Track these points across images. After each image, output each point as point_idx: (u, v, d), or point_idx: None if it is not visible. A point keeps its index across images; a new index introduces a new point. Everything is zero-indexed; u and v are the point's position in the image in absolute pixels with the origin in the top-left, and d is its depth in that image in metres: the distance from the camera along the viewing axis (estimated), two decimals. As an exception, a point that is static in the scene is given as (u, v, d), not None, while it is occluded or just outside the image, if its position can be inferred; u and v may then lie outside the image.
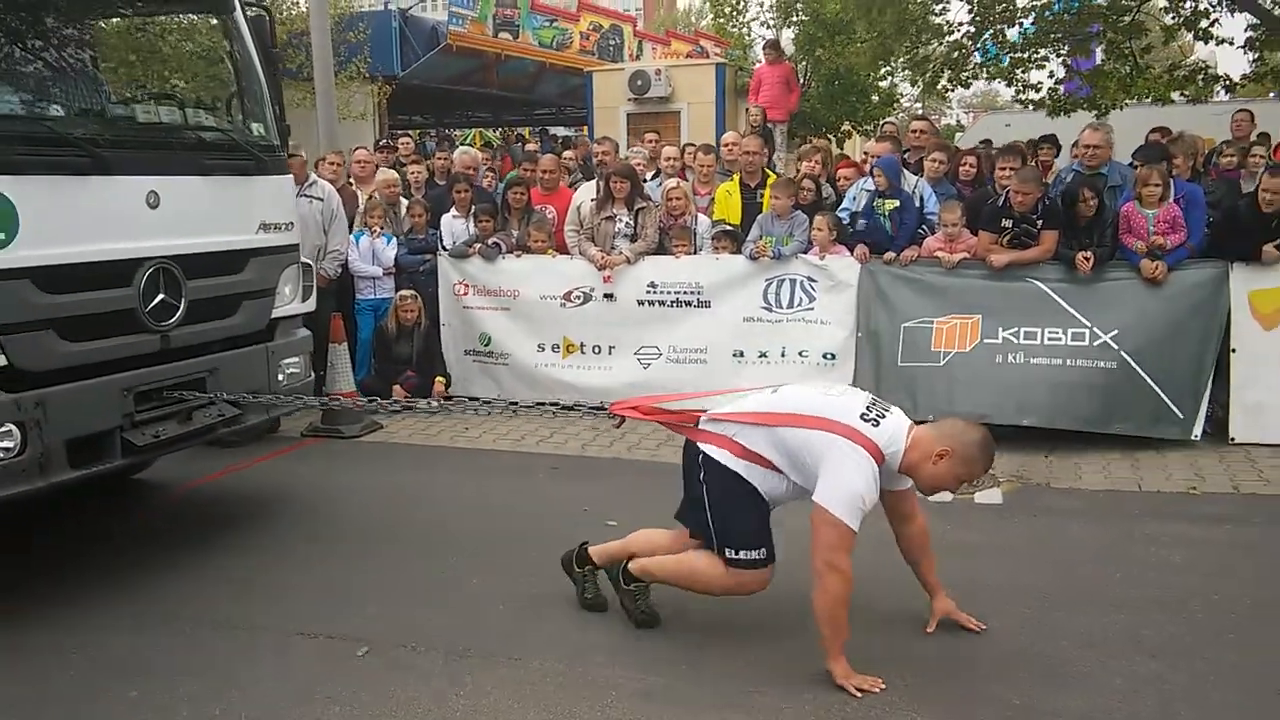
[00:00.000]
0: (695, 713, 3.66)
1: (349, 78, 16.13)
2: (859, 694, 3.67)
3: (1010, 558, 5.08)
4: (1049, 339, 6.98)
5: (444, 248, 8.61)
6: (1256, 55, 14.36)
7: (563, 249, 8.40)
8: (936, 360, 7.18)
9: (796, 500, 3.94)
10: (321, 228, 8.09)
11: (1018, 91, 16.18)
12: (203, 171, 5.22)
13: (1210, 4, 13.88)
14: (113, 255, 4.69)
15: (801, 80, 17.99)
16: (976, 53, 15.73)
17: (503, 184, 9.42)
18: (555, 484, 6.57)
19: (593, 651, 4.12)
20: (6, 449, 4.26)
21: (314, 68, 11.72)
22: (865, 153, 10.04)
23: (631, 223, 8.13)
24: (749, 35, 23.33)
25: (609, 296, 8.13)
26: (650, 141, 10.63)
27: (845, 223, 7.76)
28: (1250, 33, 14.02)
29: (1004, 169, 7.50)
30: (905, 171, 7.89)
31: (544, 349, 8.33)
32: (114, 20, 5.95)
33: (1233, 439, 6.70)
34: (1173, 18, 14.72)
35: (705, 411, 4.15)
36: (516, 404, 5.37)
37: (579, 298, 8.21)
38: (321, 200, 8.14)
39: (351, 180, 9.32)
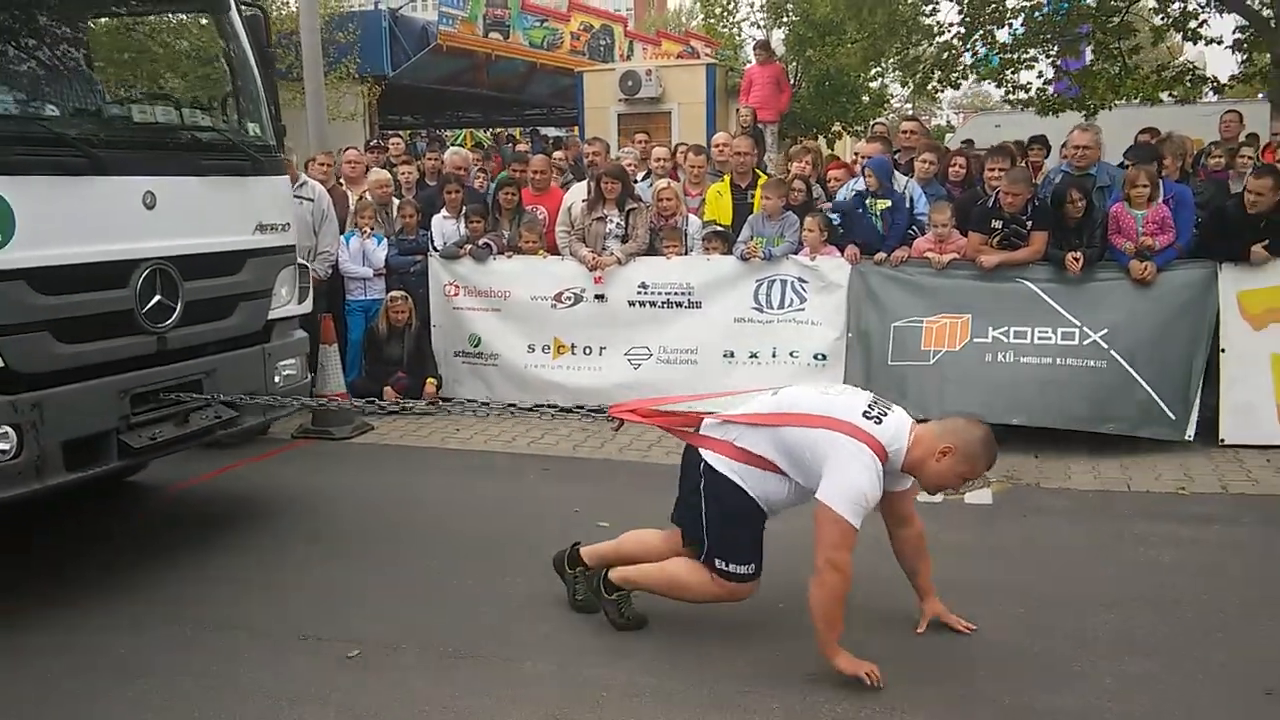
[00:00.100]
0: (688, 713, 3.66)
1: (339, 78, 16.10)
2: (869, 679, 3.68)
3: (1000, 558, 5.09)
4: (1039, 338, 7.00)
5: (435, 248, 8.60)
6: (1245, 56, 14.43)
7: (554, 250, 8.40)
8: (926, 359, 7.20)
9: (798, 506, 3.93)
10: (312, 229, 8.06)
11: (1007, 92, 16.24)
12: (199, 172, 5.20)
13: (1199, 5, 13.94)
14: (109, 256, 4.68)
15: (792, 81, 18.02)
16: (966, 53, 15.78)
17: (493, 184, 9.41)
18: (546, 485, 6.57)
19: (585, 652, 4.12)
20: (3, 451, 4.24)
21: (303, 68, 11.70)
22: (856, 153, 10.06)
23: (622, 223, 8.13)
24: (739, 36, 23.40)
25: (600, 297, 8.13)
26: (641, 142, 10.64)
27: (836, 223, 7.78)
28: (1239, 34, 14.09)
29: (993, 170, 7.51)
30: (895, 172, 7.91)
31: (534, 350, 8.33)
32: (110, 20, 5.94)
33: (1222, 440, 6.72)
34: (1162, 18, 14.78)
35: (705, 415, 4.13)
36: (514, 405, 5.35)
37: (570, 298, 8.20)
38: (312, 201, 8.12)
39: (341, 181, 9.31)
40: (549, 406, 4.63)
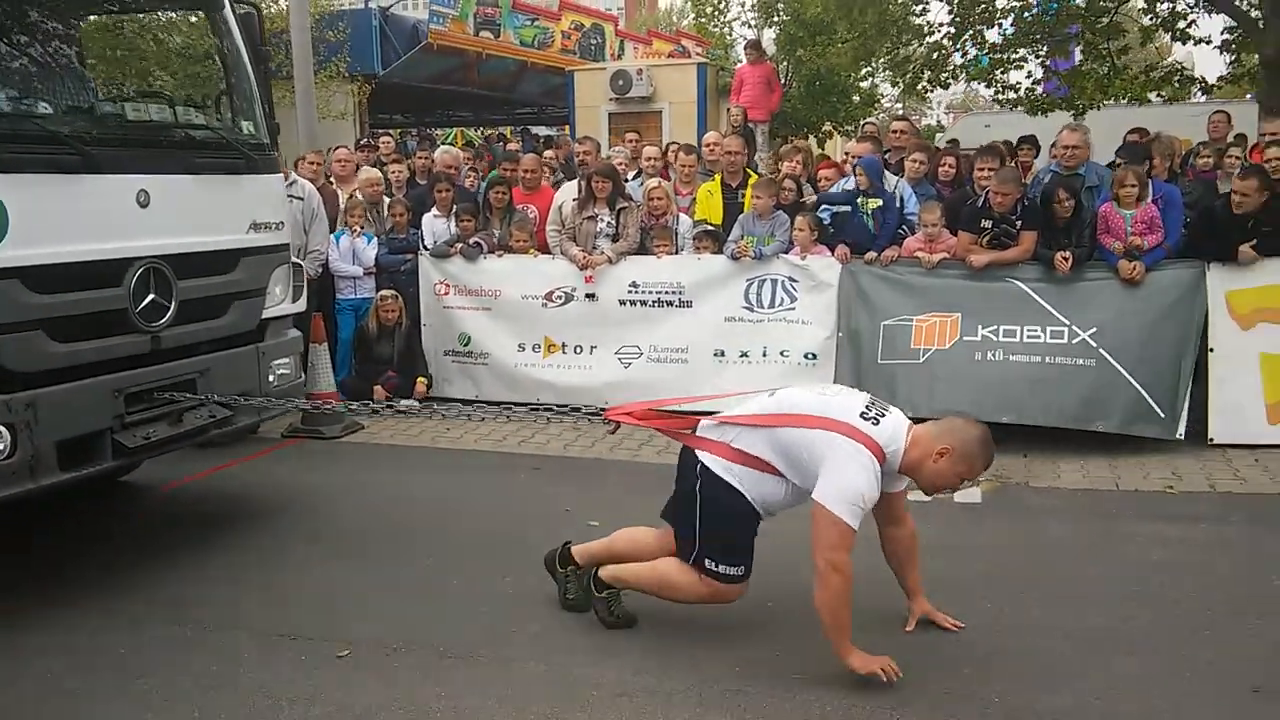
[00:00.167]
0: (679, 711, 3.66)
1: (329, 76, 16.05)
2: (885, 676, 3.66)
3: (989, 556, 5.10)
4: (1028, 337, 7.03)
5: (425, 247, 8.59)
6: (1233, 57, 14.48)
7: (544, 249, 8.39)
8: (916, 358, 7.22)
9: (794, 507, 3.94)
10: (302, 227, 8.05)
11: (997, 92, 16.29)
12: (193, 170, 5.18)
13: (1187, 5, 13.99)
14: (103, 255, 4.65)
15: (783, 81, 18.04)
16: (956, 54, 15.82)
17: (484, 183, 9.41)
18: (537, 484, 6.57)
19: (575, 651, 4.12)
20: None
21: (294, 66, 11.67)
22: (846, 153, 10.08)
23: (613, 222, 8.14)
24: (730, 35, 23.39)
25: (590, 296, 8.13)
26: (631, 141, 10.64)
27: (825, 222, 7.79)
28: (1227, 34, 14.15)
29: (983, 169, 7.53)
30: (886, 172, 7.92)
31: (524, 349, 8.32)
32: (104, 18, 5.92)
33: (1211, 439, 6.74)
34: (1150, 18, 14.83)
35: (702, 416, 4.12)
36: (511, 405, 5.32)
37: (560, 298, 8.20)
38: (302, 199, 8.11)
39: (331, 179, 9.29)
40: (547, 408, 4.59)
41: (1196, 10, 13.96)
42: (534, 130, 25.93)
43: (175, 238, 5.00)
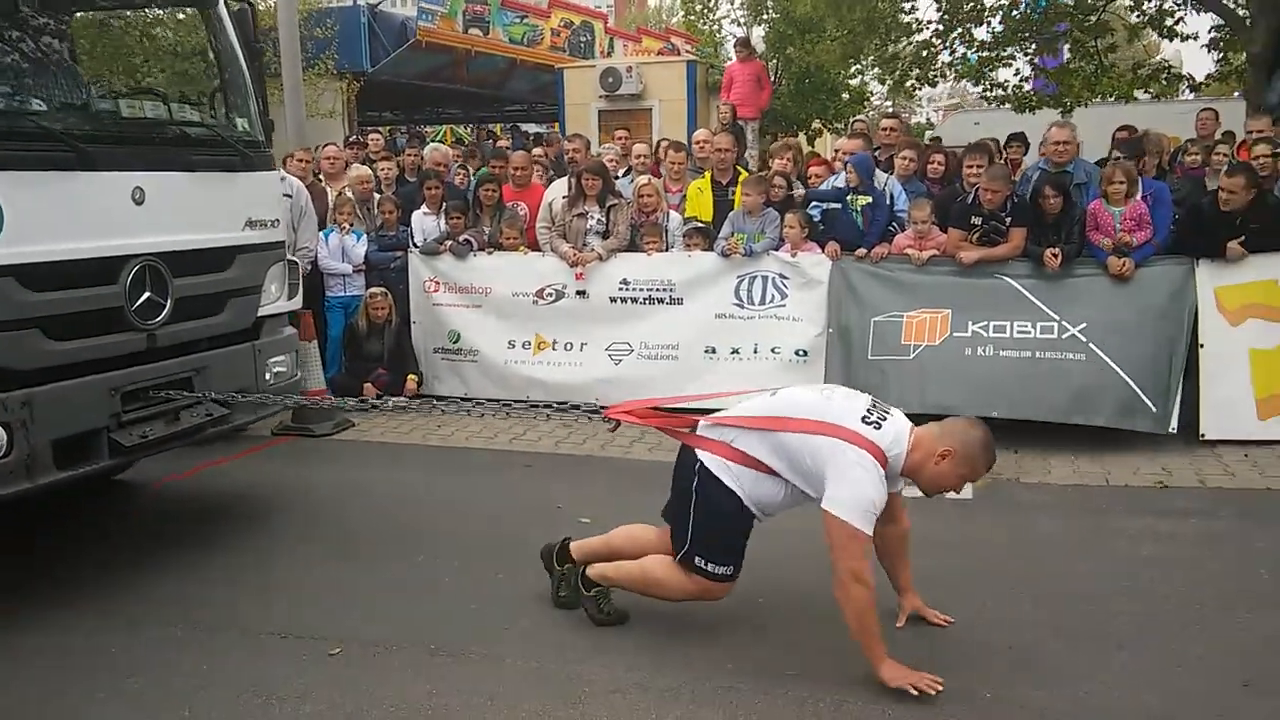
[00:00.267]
0: (670, 708, 3.66)
1: (317, 74, 16.00)
2: (916, 693, 3.60)
3: (980, 552, 5.11)
4: (1018, 332, 7.05)
5: (415, 244, 8.57)
6: (1221, 55, 14.56)
7: (535, 246, 8.38)
8: (906, 354, 7.23)
9: (794, 509, 3.93)
10: (291, 224, 8.01)
11: (985, 90, 16.34)
12: (188, 167, 5.15)
13: (1175, 2, 14.06)
14: (99, 252, 4.62)
15: (772, 78, 18.05)
16: (945, 51, 15.87)
17: (474, 180, 9.39)
18: (529, 481, 6.56)
19: (566, 648, 4.12)
20: None
21: (281, 64, 11.62)
22: (836, 150, 10.08)
23: (603, 220, 8.13)
24: (720, 33, 23.41)
25: (581, 294, 8.12)
26: (621, 139, 10.63)
27: (816, 219, 7.80)
28: (1215, 33, 14.22)
29: (971, 167, 7.56)
30: (876, 169, 7.93)
31: (514, 345, 8.31)
32: (99, 14, 5.88)
33: (1203, 435, 6.76)
34: (1137, 16, 14.90)
35: (701, 415, 4.10)
36: (511, 403, 5.31)
37: (551, 295, 8.19)
38: (290, 197, 8.07)
39: (320, 177, 9.26)
40: (546, 405, 4.58)
41: (1183, 8, 14.03)
42: (524, 128, 25.89)
43: (171, 235, 4.97)
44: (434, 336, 8.54)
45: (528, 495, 6.21)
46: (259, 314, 5.64)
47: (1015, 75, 16.17)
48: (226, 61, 5.63)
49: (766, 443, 3.84)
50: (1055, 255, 6.91)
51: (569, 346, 8.20)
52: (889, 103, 27.69)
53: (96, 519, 5.91)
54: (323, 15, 17.26)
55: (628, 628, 4.25)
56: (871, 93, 24.85)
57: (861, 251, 7.47)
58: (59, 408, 4.43)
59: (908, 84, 17.20)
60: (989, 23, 15.46)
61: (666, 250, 8.07)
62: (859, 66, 19.77)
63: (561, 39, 21.98)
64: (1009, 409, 6.80)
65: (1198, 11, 13.89)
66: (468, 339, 8.43)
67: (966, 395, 6.90)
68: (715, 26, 23.40)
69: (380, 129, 19.82)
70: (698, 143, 8.92)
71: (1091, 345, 6.86)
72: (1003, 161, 8.47)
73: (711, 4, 23.04)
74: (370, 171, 9.35)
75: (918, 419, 3.94)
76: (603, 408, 4.34)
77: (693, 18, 23.82)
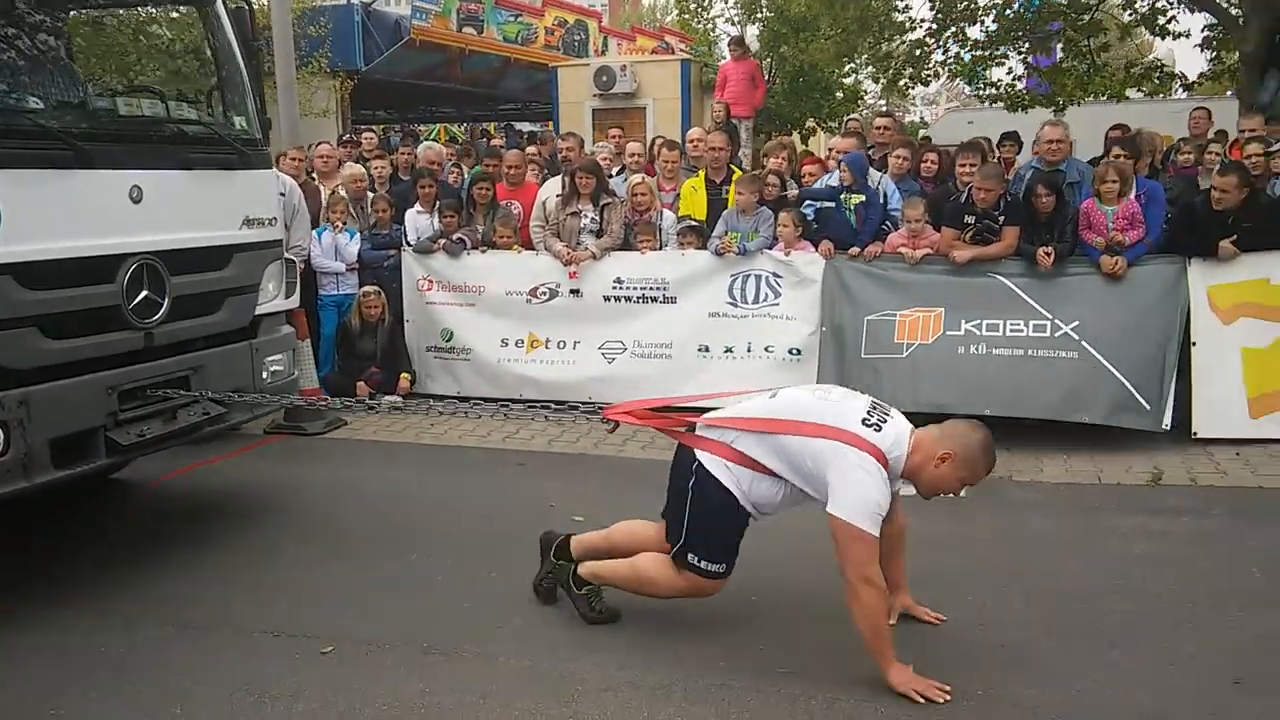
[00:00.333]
0: (662, 706, 3.66)
1: (310, 73, 15.96)
2: (922, 700, 3.58)
3: (972, 550, 5.12)
4: (1011, 330, 7.06)
5: (408, 243, 8.56)
6: (1214, 54, 14.59)
7: (528, 245, 8.38)
8: (899, 352, 7.24)
9: (793, 509, 3.92)
10: (284, 223, 7.98)
11: (978, 89, 16.37)
12: (186, 166, 5.13)
13: (1167, 1, 14.09)
14: (96, 251, 4.61)
15: (766, 77, 18.04)
16: (938, 50, 15.90)
17: (468, 178, 9.39)
18: (521, 479, 6.56)
19: (559, 646, 4.11)
20: None
21: (275, 62, 11.60)
22: (830, 148, 10.09)
23: (597, 218, 8.12)
24: (714, 31, 23.38)
25: (575, 292, 8.12)
26: (615, 137, 10.62)
27: (809, 218, 7.80)
28: (1207, 32, 14.25)
29: (964, 165, 7.56)
30: (869, 168, 7.94)
31: (508, 344, 8.30)
32: (96, 12, 5.87)
33: (1195, 433, 6.77)
34: (1130, 15, 14.93)
35: (701, 414, 4.09)
36: (509, 403, 5.29)
37: (545, 293, 8.19)
38: (284, 195, 8.04)
39: (314, 175, 9.24)
40: (545, 406, 4.57)
41: (1176, 6, 14.06)
42: (518, 126, 25.88)
43: (168, 233, 4.96)
44: (427, 335, 8.53)
45: (521, 494, 6.21)
46: (256, 313, 5.62)
47: (1008, 74, 16.20)
48: (224, 59, 5.61)
49: (766, 445, 3.83)
50: (1048, 254, 6.92)
51: (562, 345, 8.19)
52: (882, 102, 27.75)
53: (91, 518, 5.89)
54: (316, 13, 17.20)
55: (620, 626, 4.25)
56: (865, 92, 24.86)
57: (855, 250, 7.47)
58: (56, 406, 4.41)
59: (901, 83, 17.22)
60: (983, 21, 15.49)
61: (660, 249, 8.07)
62: (853, 65, 19.77)
63: (555, 37, 21.97)
64: (1002, 407, 6.80)
65: (1191, 11, 13.92)
66: (461, 337, 8.43)
67: (959, 394, 6.92)
68: (709, 25, 23.36)
69: (374, 127, 19.79)
70: (691, 141, 8.92)
71: (1084, 343, 6.88)
72: (995, 160, 8.48)
73: (705, 3, 23.01)
74: (363, 170, 9.34)
75: (911, 418, 3.93)
76: (601, 408, 4.34)
77: (687, 16, 23.78)
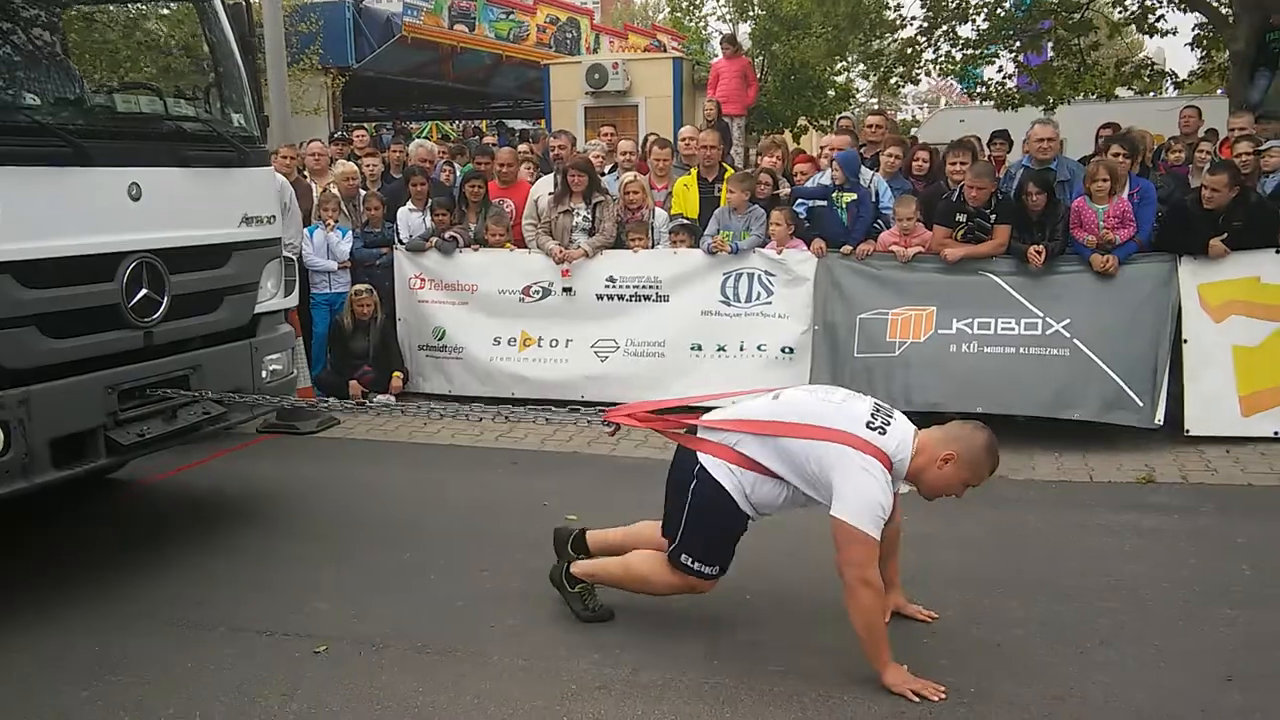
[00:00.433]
0: (657, 705, 3.67)
1: (302, 70, 15.92)
2: (917, 699, 3.59)
3: (965, 548, 5.13)
4: (1002, 329, 7.08)
5: (400, 241, 8.55)
6: (1204, 53, 14.64)
7: (520, 243, 8.37)
8: (892, 351, 7.26)
9: (795, 509, 3.92)
10: (276, 221, 7.97)
11: (968, 87, 16.40)
12: (184, 163, 5.10)
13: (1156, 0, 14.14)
14: (95, 249, 4.58)
15: (759, 75, 18.05)
16: (929, 49, 15.91)
17: (460, 176, 9.38)
18: (515, 478, 6.55)
19: (552, 645, 4.12)
20: None
21: (266, 59, 11.56)
22: (822, 147, 10.10)
23: (589, 216, 8.12)
24: (706, 29, 23.38)
25: (568, 290, 8.11)
26: (607, 135, 10.62)
27: (802, 216, 7.82)
28: (1197, 30, 14.29)
29: (954, 164, 7.58)
30: (861, 166, 7.95)
31: (500, 342, 8.30)
32: (94, 8, 5.84)
33: (1187, 430, 6.79)
34: (1120, 12, 14.97)
35: (701, 414, 4.09)
36: (510, 404, 5.27)
37: (538, 292, 8.19)
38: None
39: (305, 173, 9.23)
40: (546, 407, 4.57)
41: (1165, 6, 14.10)
42: (510, 124, 25.84)
43: (167, 231, 4.93)
44: (419, 333, 8.52)
45: (514, 492, 6.20)
46: (256, 311, 5.60)
47: (999, 72, 16.24)
48: (222, 56, 5.59)
49: (770, 447, 3.82)
50: (1039, 252, 6.94)
51: (555, 343, 8.19)
52: (874, 100, 27.80)
53: (84, 517, 5.88)
54: (307, 10, 17.17)
55: (613, 624, 4.26)
56: (858, 90, 24.89)
57: (847, 248, 7.49)
58: (56, 406, 4.39)
59: (892, 80, 17.24)
60: (974, 20, 15.50)
61: (652, 247, 8.08)
62: (845, 64, 19.79)
63: (547, 35, 21.95)
64: (993, 405, 6.82)
65: (1184, 10, 13.96)
66: (453, 336, 8.42)
67: (951, 392, 6.95)
68: (701, 23, 23.37)
69: (365, 125, 19.74)
70: (683, 140, 8.93)
71: (1076, 341, 6.91)
72: (986, 159, 8.50)
73: (697, 1, 23.02)
74: (355, 168, 9.32)
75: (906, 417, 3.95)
76: (602, 410, 4.33)
77: (679, 14, 23.78)
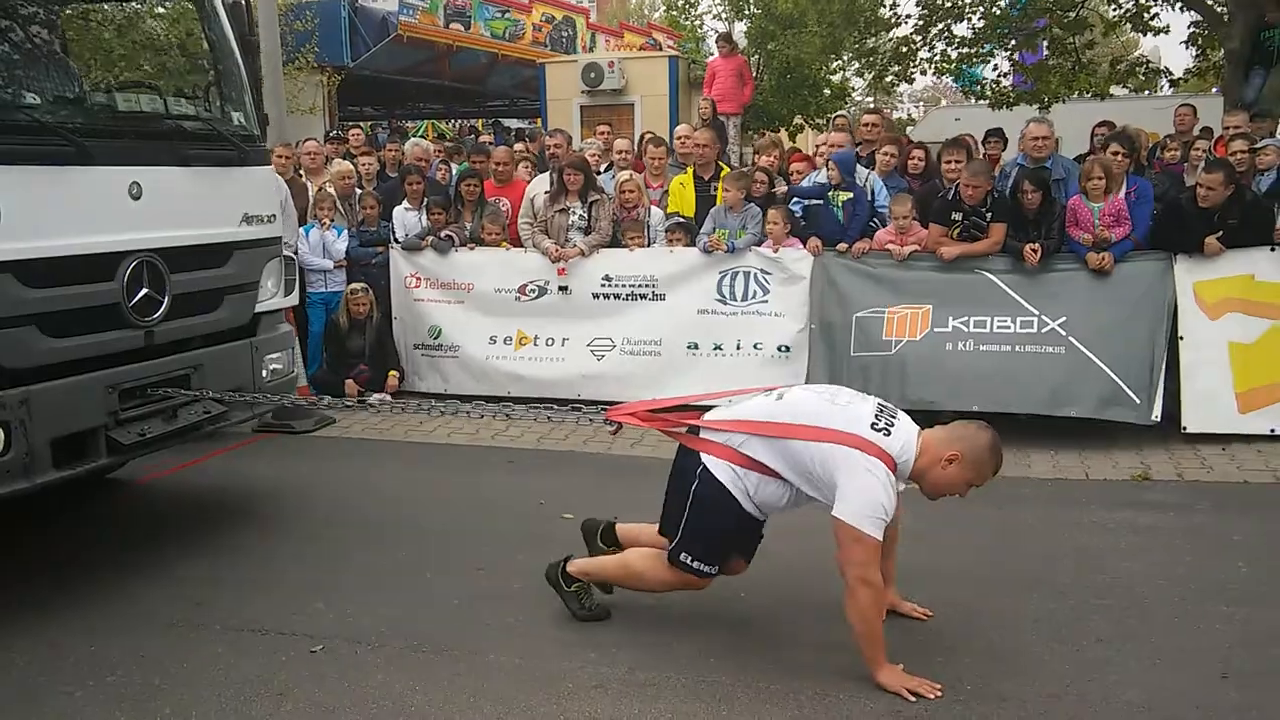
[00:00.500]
0: (654, 702, 3.66)
1: (297, 69, 15.89)
2: (914, 699, 3.59)
3: (960, 545, 5.12)
4: (998, 327, 7.09)
5: (396, 240, 8.54)
6: (1199, 51, 14.65)
7: (516, 242, 8.37)
8: (888, 349, 7.27)
9: (797, 509, 3.92)
10: (272, 220, 7.96)
11: (963, 86, 16.42)
12: (185, 162, 5.09)
13: (1150, -1, 14.17)
14: (96, 248, 4.56)
15: (754, 74, 18.06)
16: (925, 48, 15.92)
17: (455, 175, 9.37)
18: (511, 477, 6.55)
19: (548, 644, 4.12)
20: None
21: (261, 58, 11.54)
22: (819, 144, 10.11)
23: (585, 215, 8.12)
24: (701, 28, 23.41)
25: (564, 289, 8.11)
26: (603, 134, 10.62)
27: (798, 214, 7.82)
28: (1193, 29, 14.31)
29: (949, 162, 7.59)
30: (857, 165, 7.96)
31: (496, 341, 8.29)
32: (94, 7, 5.82)
33: (1184, 428, 6.80)
34: (1115, 10, 14.99)
35: (702, 414, 4.08)
36: (510, 404, 5.25)
37: (534, 291, 8.18)
38: (271, 192, 8.02)
39: (301, 172, 9.21)
40: (548, 407, 4.56)
41: (1159, 4, 14.12)
42: (505, 123, 25.82)
43: (168, 230, 4.91)
44: (415, 332, 8.51)
45: (510, 491, 6.20)
46: (256, 310, 5.59)
47: (994, 71, 16.25)
48: (222, 55, 5.57)
49: (775, 450, 3.81)
50: (1035, 250, 6.95)
51: (551, 342, 8.19)
52: (870, 99, 27.81)
53: (83, 517, 5.86)
54: (303, 8, 17.13)
55: (610, 623, 4.26)
56: (853, 89, 24.91)
57: (843, 246, 7.49)
58: (57, 406, 4.37)
59: (887, 79, 17.25)
60: (969, 19, 15.52)
61: (649, 246, 8.07)
62: (840, 63, 19.80)
63: (543, 34, 21.93)
64: (989, 403, 6.82)
65: (1180, 9, 13.97)
66: (449, 334, 8.41)
67: (947, 390, 6.95)
68: (697, 22, 23.41)
69: (361, 124, 19.72)
70: (679, 138, 8.92)
71: (1071, 339, 6.92)
72: (981, 157, 8.51)
73: (694, -1, 23.08)
74: (350, 167, 9.31)
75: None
76: (604, 409, 4.33)
77: (674, 13, 23.81)
